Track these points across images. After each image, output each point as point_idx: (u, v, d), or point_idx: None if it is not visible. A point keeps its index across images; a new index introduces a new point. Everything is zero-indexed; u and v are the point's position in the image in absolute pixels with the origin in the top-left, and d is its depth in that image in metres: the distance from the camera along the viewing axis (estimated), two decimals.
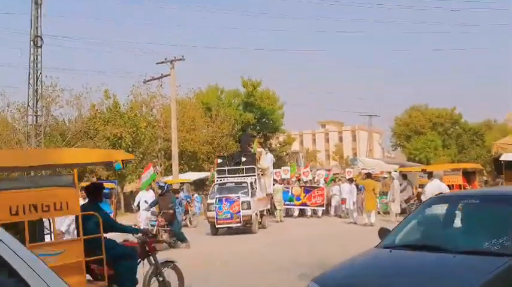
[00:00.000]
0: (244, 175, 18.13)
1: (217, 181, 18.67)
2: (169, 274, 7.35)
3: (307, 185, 23.89)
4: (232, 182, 17.85)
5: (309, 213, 23.06)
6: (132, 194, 32.73)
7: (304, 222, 21.15)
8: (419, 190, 18.40)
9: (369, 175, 20.05)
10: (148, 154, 33.82)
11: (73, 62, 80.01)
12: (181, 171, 31.59)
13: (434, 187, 11.79)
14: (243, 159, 18.57)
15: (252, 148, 20.21)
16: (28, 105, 26.64)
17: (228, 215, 16.72)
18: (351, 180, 21.36)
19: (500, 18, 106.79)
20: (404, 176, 20.20)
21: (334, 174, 30.76)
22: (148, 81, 32.92)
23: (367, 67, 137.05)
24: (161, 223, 13.54)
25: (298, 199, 22.90)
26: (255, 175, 18.18)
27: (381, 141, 76.63)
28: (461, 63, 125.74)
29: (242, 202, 16.74)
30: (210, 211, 17.24)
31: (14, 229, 5.23)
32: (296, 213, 23.25)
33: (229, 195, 17.10)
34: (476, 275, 4.08)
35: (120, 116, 32.67)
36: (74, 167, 7.75)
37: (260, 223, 18.41)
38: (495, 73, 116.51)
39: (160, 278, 7.15)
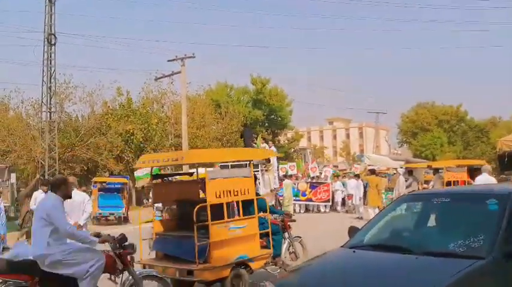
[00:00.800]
0: None
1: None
2: (296, 246, 8.90)
3: (314, 181, 23.95)
4: None
5: (314, 209, 23.18)
6: (144, 189, 33.37)
7: (310, 217, 21.08)
8: (425, 185, 18.88)
9: (372, 171, 20.48)
10: (159, 150, 34.40)
11: (85, 59, 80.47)
12: (191, 167, 32.12)
13: (484, 181, 11.65)
14: None
15: (255, 143, 19.87)
16: (42, 101, 27.25)
17: None
18: (357, 176, 21.76)
19: (509, 16, 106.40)
20: (410, 172, 20.60)
21: (340, 170, 31.13)
22: (159, 78, 33.44)
23: (375, 65, 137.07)
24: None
25: (303, 194, 22.91)
26: (258, 171, 17.50)
27: (387, 138, 76.89)
28: (467, 61, 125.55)
29: None
30: None
31: (216, 208, 7.04)
32: (300, 209, 23.16)
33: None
34: (437, 277, 3.86)
35: (133, 113, 33.30)
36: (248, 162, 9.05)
37: None
38: (501, 71, 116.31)
39: (292, 250, 8.71)
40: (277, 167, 22.63)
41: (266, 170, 19.02)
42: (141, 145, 33.21)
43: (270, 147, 21.92)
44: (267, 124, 48.40)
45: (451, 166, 16.62)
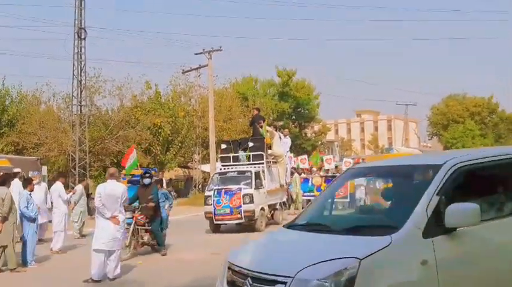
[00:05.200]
0: (250, 162, 15.51)
1: (219, 169, 16.55)
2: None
3: (329, 174, 22.13)
4: (234, 171, 15.28)
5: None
6: (171, 182, 33.68)
7: None
8: None
9: None
10: (186, 142, 34.66)
11: (115, 53, 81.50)
12: (218, 160, 32.34)
13: None
14: (250, 144, 15.83)
15: (261, 127, 16.42)
16: (73, 95, 27.71)
17: (228, 210, 14.20)
18: None
19: None
20: None
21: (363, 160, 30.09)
22: (186, 71, 33.65)
23: (405, 56, 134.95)
24: (140, 220, 10.69)
25: (318, 189, 20.47)
26: (262, 163, 15.54)
27: (417, 130, 75.74)
28: (499, 52, 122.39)
29: (244, 195, 14.21)
30: (208, 204, 14.56)
31: None
32: None
33: (230, 186, 14.52)
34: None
35: (161, 106, 33.59)
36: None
37: (271, 218, 16.00)
38: None
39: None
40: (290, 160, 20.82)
41: (275, 162, 16.62)
42: (169, 137, 33.50)
43: (285, 136, 19.37)
44: (293, 117, 48.23)
45: None
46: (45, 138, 28.45)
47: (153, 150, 32.67)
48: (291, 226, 4.95)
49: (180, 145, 34.20)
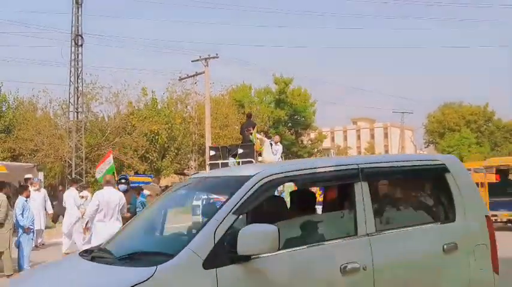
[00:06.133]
0: None
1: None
2: None
3: None
4: None
5: None
6: (167, 188, 33.68)
7: None
8: None
9: None
10: (182, 149, 34.71)
11: (110, 60, 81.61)
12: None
13: None
14: (240, 151, 15.29)
15: (251, 134, 16.03)
16: (69, 101, 27.73)
17: None
18: None
19: None
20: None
21: None
22: (183, 79, 33.76)
23: (400, 64, 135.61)
24: None
25: None
26: None
27: (413, 138, 75.96)
28: (495, 60, 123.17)
29: None
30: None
31: None
32: None
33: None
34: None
35: (157, 113, 33.65)
36: None
37: None
38: None
39: None
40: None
41: None
42: (166, 144, 33.56)
43: (276, 143, 17.80)
44: (290, 124, 48.36)
45: (478, 166, 16.39)
46: (42, 145, 28.44)
47: (150, 157, 32.68)
48: (86, 251, 3.99)
49: (176, 151, 34.25)
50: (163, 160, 33.85)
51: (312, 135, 53.87)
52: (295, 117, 48.20)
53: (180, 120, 34.28)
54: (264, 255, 3.23)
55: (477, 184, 14.52)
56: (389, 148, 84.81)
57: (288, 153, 45.11)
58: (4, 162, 21.45)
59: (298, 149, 46.92)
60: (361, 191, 3.81)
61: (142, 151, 31.58)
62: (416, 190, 4.78)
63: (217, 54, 30.74)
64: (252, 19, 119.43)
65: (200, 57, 30.75)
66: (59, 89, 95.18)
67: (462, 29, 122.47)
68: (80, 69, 27.46)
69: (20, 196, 10.13)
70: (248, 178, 3.51)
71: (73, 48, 27.31)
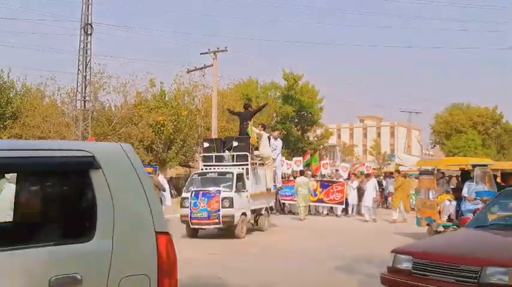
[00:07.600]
0: (233, 163, 14.38)
1: (200, 169, 15.48)
2: None
3: (325, 179, 21.59)
4: (215, 172, 14.24)
5: (325, 211, 20.69)
6: (172, 180, 33.76)
7: (316, 223, 17.85)
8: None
9: (397, 172, 20.64)
10: (188, 141, 34.73)
11: (120, 50, 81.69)
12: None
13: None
14: (235, 143, 14.69)
15: (247, 126, 15.39)
16: (77, 90, 27.82)
17: (205, 214, 13.07)
18: (368, 175, 20.96)
19: None
20: (442, 174, 20.24)
21: (373, 169, 29.85)
22: (191, 71, 33.72)
23: (411, 63, 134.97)
24: None
25: (314, 194, 20.07)
26: (247, 164, 14.33)
27: (419, 138, 75.71)
28: (504, 63, 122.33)
29: (223, 198, 13.12)
30: (184, 207, 13.45)
31: None
32: (322, 210, 20.90)
33: (208, 189, 13.44)
34: None
35: (165, 105, 33.66)
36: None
37: (256, 224, 15.12)
38: None
39: None
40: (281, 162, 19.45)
41: (262, 164, 15.30)
42: (171, 136, 33.59)
43: (275, 138, 17.14)
44: (296, 120, 48.28)
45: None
46: (49, 132, 28.54)
47: (155, 148, 32.70)
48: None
49: (182, 143, 34.28)
50: (169, 151, 33.90)
51: (318, 131, 53.75)
52: (302, 113, 48.12)
53: (186, 112, 34.25)
54: None
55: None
56: (395, 147, 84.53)
57: (294, 149, 45.07)
58: None
59: (304, 145, 46.84)
60: None
61: (148, 142, 31.61)
62: (42, 194, 3.52)
63: (226, 47, 30.69)
64: (261, 13, 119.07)
65: (209, 50, 30.70)
66: (67, 77, 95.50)
67: (476, 31, 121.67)
68: (88, 58, 27.54)
69: None
70: None
71: (82, 37, 27.41)
